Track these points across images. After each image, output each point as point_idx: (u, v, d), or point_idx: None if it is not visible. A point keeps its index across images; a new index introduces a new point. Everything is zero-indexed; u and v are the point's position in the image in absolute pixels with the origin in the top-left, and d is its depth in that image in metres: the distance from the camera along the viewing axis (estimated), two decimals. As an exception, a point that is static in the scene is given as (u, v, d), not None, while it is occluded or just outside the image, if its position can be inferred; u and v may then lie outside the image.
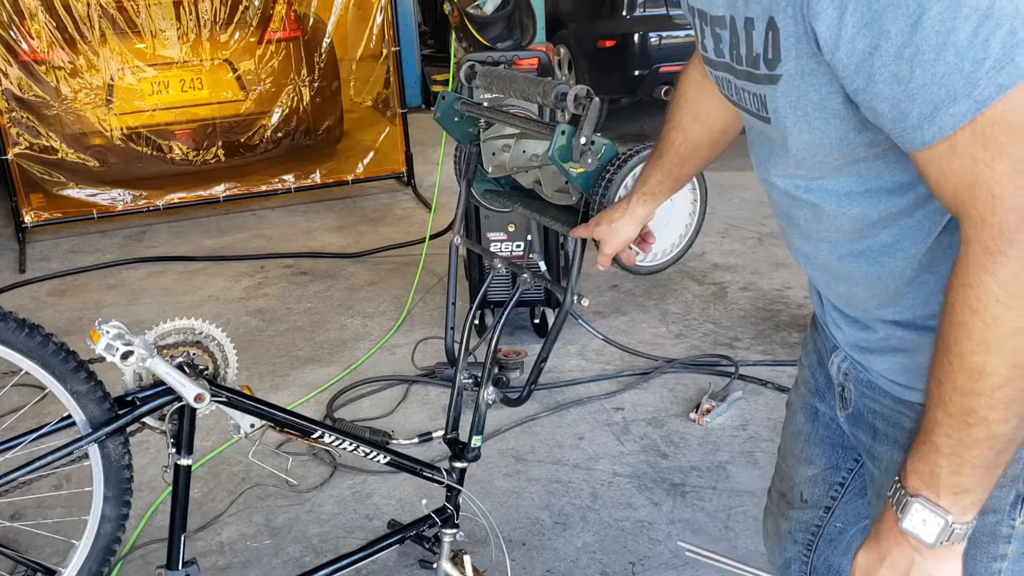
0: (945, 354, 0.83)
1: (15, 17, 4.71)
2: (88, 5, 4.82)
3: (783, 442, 1.41)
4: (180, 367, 1.61)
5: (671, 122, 1.42)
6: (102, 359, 1.50)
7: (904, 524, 0.89)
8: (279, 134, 5.46)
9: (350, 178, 5.63)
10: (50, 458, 1.56)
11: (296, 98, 5.45)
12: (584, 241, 1.66)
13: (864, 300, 1.06)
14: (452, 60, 3.54)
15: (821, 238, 1.05)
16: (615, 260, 1.66)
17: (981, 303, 0.79)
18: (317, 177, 5.57)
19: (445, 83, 7.84)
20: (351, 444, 1.80)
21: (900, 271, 0.98)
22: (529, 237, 3.21)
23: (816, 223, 1.03)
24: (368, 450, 1.83)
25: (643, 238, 1.58)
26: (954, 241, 0.92)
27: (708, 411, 2.88)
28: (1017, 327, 0.79)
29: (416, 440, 2.75)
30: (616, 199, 1.58)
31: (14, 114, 4.83)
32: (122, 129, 5.07)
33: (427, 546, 1.99)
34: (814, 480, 1.35)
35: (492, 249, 3.27)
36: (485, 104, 2.13)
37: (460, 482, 1.96)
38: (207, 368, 1.69)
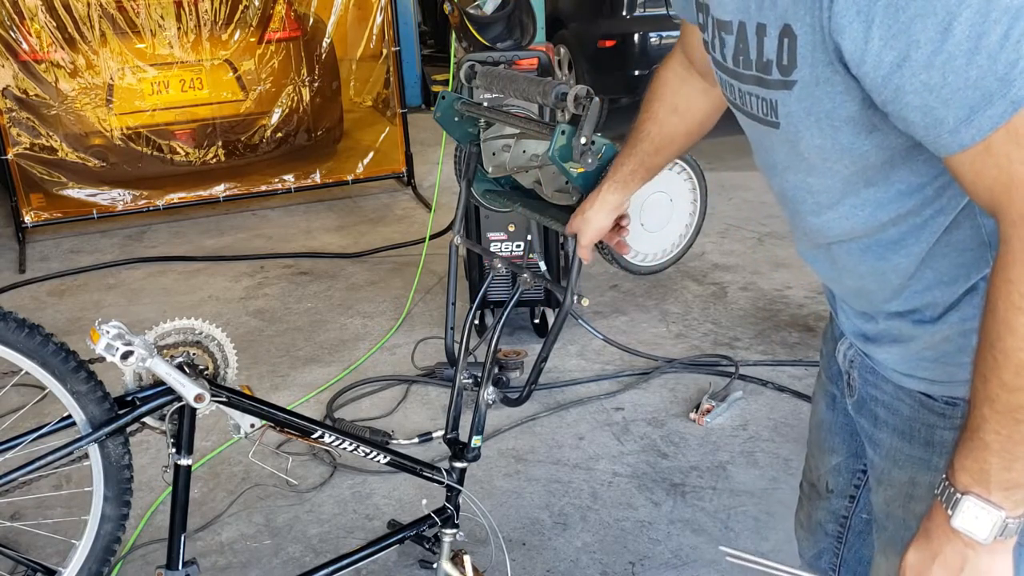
0: (989, 350, 0.82)
1: (15, 17, 4.71)
2: (88, 5, 4.81)
3: (810, 433, 1.43)
4: (180, 367, 1.61)
5: (647, 112, 1.41)
6: (102, 359, 1.50)
7: (956, 522, 0.87)
8: (279, 134, 5.45)
9: (350, 178, 5.63)
10: (50, 458, 1.56)
11: (296, 98, 5.44)
12: None
13: (872, 293, 1.06)
14: (452, 60, 3.54)
15: (831, 239, 1.05)
16: (615, 260, 1.65)
17: None
18: (317, 177, 5.56)
19: (445, 83, 7.83)
20: (351, 444, 1.80)
21: (904, 267, 0.99)
22: (529, 237, 3.21)
23: (827, 228, 1.04)
24: (368, 450, 1.83)
25: (617, 224, 1.56)
26: (954, 239, 0.93)
27: (708, 411, 2.88)
28: None
29: (416, 440, 2.75)
30: None
31: (14, 114, 4.83)
32: (122, 129, 5.07)
33: (427, 546, 1.99)
34: (838, 469, 1.36)
35: (492, 249, 3.27)
36: (485, 104, 2.13)
37: (460, 482, 1.96)
38: (207, 368, 1.69)
